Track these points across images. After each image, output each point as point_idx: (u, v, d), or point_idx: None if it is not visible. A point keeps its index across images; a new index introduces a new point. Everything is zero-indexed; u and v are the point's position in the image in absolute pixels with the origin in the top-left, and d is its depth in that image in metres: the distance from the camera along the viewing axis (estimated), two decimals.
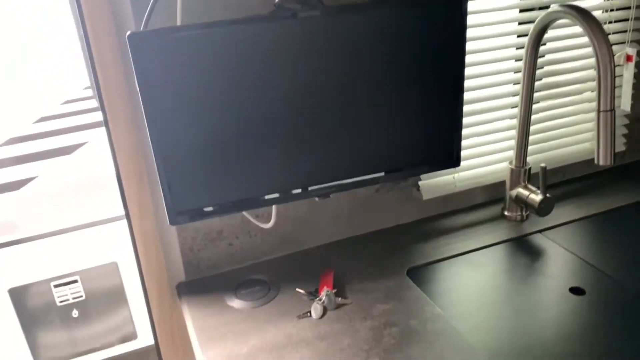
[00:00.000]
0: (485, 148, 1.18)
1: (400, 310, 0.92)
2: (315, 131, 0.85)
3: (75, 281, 2.17)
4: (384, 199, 1.14)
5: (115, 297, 2.27)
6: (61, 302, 2.19)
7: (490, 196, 1.25)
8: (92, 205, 2.21)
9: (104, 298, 2.23)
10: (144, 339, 2.31)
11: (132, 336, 2.35)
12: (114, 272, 2.28)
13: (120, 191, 0.91)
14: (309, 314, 0.92)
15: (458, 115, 0.91)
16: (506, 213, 1.18)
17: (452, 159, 0.92)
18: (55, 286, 2.15)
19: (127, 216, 0.93)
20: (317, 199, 0.88)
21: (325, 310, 0.93)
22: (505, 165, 1.19)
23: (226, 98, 0.79)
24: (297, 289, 0.99)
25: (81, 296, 2.22)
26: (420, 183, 1.14)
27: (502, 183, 1.19)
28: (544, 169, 1.06)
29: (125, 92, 0.86)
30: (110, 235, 2.09)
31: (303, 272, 1.04)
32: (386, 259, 1.06)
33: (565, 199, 1.24)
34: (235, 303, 0.96)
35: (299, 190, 0.86)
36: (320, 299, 0.93)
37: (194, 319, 0.93)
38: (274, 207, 0.98)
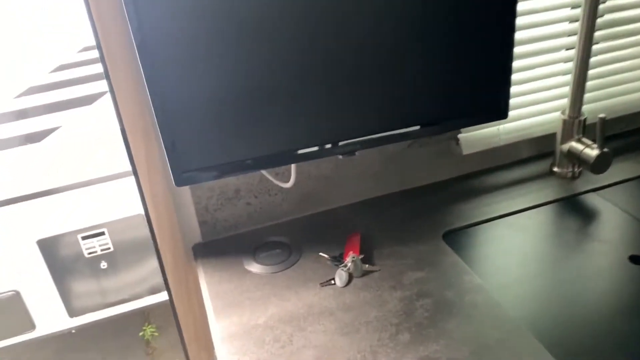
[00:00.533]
0: (535, 96, 1.04)
1: (435, 279, 0.82)
2: (339, 78, 0.74)
3: (103, 233, 2.15)
4: (417, 154, 1.03)
5: (143, 248, 2.24)
6: (89, 253, 2.18)
7: (538, 150, 1.13)
8: (117, 157, 2.15)
9: (131, 250, 2.21)
10: None
11: (160, 287, 2.34)
12: (141, 223, 2.25)
13: (126, 146, 0.83)
14: (332, 282, 0.84)
15: (507, 58, 0.78)
16: (555, 169, 1.05)
17: (499, 110, 0.80)
18: (83, 238, 2.13)
19: (135, 173, 0.85)
20: (340, 156, 0.78)
21: (350, 277, 0.85)
22: (556, 115, 1.06)
23: (238, 42, 0.69)
24: (321, 253, 0.90)
25: (109, 248, 2.20)
26: (459, 136, 1.02)
27: (552, 136, 1.06)
28: (602, 120, 0.93)
29: (126, 40, 0.76)
30: (135, 187, 2.02)
31: (327, 234, 0.95)
32: (419, 220, 0.96)
33: (624, 153, 1.10)
34: (254, 267, 0.89)
35: (317, 148, 0.75)
36: (345, 265, 0.85)
37: (209, 284, 0.86)
38: (292, 165, 0.88)
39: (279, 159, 0.75)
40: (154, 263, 2.27)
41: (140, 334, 2.52)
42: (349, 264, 0.84)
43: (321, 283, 0.84)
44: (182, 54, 0.67)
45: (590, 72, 1.07)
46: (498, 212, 0.97)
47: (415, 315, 0.76)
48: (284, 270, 0.88)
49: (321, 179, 0.99)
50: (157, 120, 0.68)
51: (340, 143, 0.76)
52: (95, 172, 2.09)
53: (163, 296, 2.37)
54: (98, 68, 1.90)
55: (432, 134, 0.80)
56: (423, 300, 0.79)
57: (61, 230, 2.13)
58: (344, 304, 0.80)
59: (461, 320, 0.75)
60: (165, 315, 2.58)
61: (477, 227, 0.95)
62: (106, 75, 0.79)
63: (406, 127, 0.78)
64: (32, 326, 2.27)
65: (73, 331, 2.35)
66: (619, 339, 0.72)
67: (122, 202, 2.19)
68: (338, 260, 0.88)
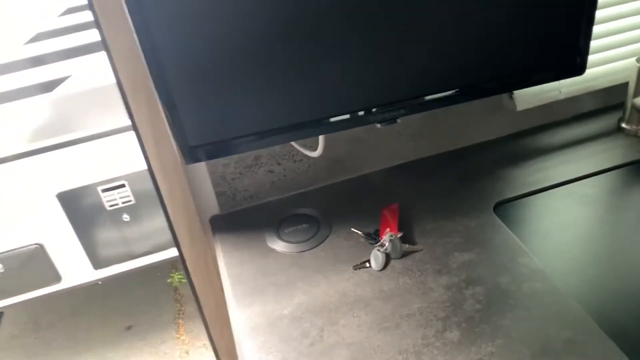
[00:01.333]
0: (605, 41, 0.88)
1: (487, 262, 0.71)
2: (376, 28, 0.60)
3: (123, 185, 2.08)
4: (464, 110, 0.89)
5: None
6: (111, 206, 2.12)
7: (602, 103, 0.97)
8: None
9: (153, 201, 2.15)
10: None
11: None
12: None
13: (125, 103, 0.71)
14: (367, 264, 0.74)
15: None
16: (624, 125, 0.91)
17: (573, 64, 0.65)
18: (103, 190, 2.07)
19: (137, 134, 0.74)
20: (379, 125, 0.66)
21: (388, 259, 0.74)
22: (630, 62, 0.90)
23: None
24: (353, 229, 0.79)
25: (130, 200, 2.14)
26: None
27: (621, 86, 0.91)
28: None
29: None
30: None
31: (360, 205, 0.84)
32: (467, 188, 0.84)
33: None
34: (278, 245, 0.79)
35: (349, 116, 0.63)
36: (382, 245, 0.74)
37: (228, 265, 0.77)
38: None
39: (305, 130, 0.63)
40: None
41: (169, 280, 2.51)
42: (386, 244, 0.73)
43: (354, 266, 0.74)
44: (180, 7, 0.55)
45: None
46: (557, 179, 0.84)
47: (464, 308, 0.66)
48: (312, 248, 0.78)
49: (353, 140, 0.87)
50: (154, 84, 0.56)
51: (379, 109, 0.63)
52: (111, 123, 1.99)
53: None
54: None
55: (488, 95, 0.67)
56: (474, 289, 0.68)
57: (81, 183, 2.06)
58: (381, 291, 0.69)
59: (520, 315, 0.64)
60: None
61: (533, 196, 0.82)
62: (96, 23, 0.66)
63: (455, 88, 0.65)
64: (57, 278, 2.26)
65: (99, 282, 2.34)
66: None
67: (140, 153, 2.08)
68: (373, 238, 0.77)
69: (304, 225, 0.81)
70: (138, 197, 2.09)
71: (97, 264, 2.23)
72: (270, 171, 0.85)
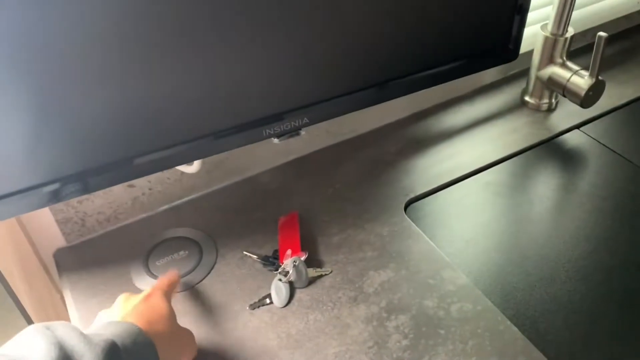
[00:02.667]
0: None
1: (407, 281, 0.60)
2: (265, 20, 0.44)
3: None
4: None
5: None
6: None
7: (503, 72, 0.90)
8: None
9: None
10: None
11: None
12: None
13: None
14: (267, 300, 0.59)
15: None
16: (528, 99, 0.84)
17: (506, 50, 0.54)
18: None
19: None
20: (276, 140, 0.50)
21: (292, 289, 0.60)
22: (533, 29, 0.82)
23: None
24: (246, 252, 0.64)
25: None
26: None
27: (523, 55, 0.83)
28: (602, 39, 0.71)
29: None
30: None
31: (251, 216, 0.69)
32: (372, 186, 0.72)
33: (605, 71, 0.91)
34: (148, 284, 0.61)
35: (235, 134, 0.46)
36: (284, 273, 0.60)
37: (82, 321, 0.58)
38: None
39: (165, 161, 0.45)
40: None
41: None
42: (290, 270, 0.59)
43: (251, 305, 0.59)
44: None
45: None
46: (466, 168, 0.74)
47: (389, 347, 0.54)
48: (194, 286, 0.61)
49: None
50: None
51: (276, 120, 0.47)
52: None
53: None
54: None
55: (416, 90, 0.55)
56: (397, 319, 0.57)
57: None
58: (289, 336, 0.56)
59: (455, 349, 0.54)
60: None
61: (443, 191, 0.72)
62: None
63: (374, 83, 0.51)
64: None
65: None
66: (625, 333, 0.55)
67: None
68: (272, 262, 0.63)
69: (181, 252, 0.64)
70: None
71: None
72: (130, 185, 0.66)
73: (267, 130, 0.48)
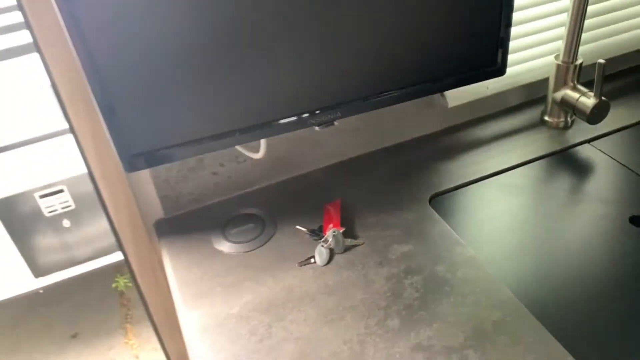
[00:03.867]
0: (526, 40, 0.94)
1: (424, 252, 0.75)
2: (309, 35, 0.63)
3: (62, 190, 2.02)
4: (398, 108, 0.93)
5: None
6: (50, 212, 2.06)
7: (526, 96, 1.04)
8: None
9: (94, 205, 2.10)
10: None
11: None
12: None
13: (60, 106, 0.70)
14: (312, 260, 0.76)
15: (508, 5, 0.67)
16: (547, 118, 0.97)
17: (494, 65, 0.70)
18: (41, 196, 2.00)
19: (76, 139, 0.73)
20: (317, 128, 0.68)
21: (332, 254, 0.77)
22: (549, 60, 0.96)
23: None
24: (298, 227, 0.82)
25: (70, 205, 2.08)
26: None
27: (542, 82, 0.98)
28: (602, 65, 0.84)
29: None
30: None
31: (304, 202, 0.87)
32: (404, 182, 0.88)
33: (617, 97, 1.03)
34: (225, 246, 0.80)
35: (287, 120, 0.65)
36: (325, 241, 0.77)
37: (175, 269, 0.78)
38: None
39: (244, 135, 0.65)
40: None
41: (114, 285, 2.45)
42: (330, 239, 0.77)
43: (299, 262, 0.76)
44: (114, 8, 0.55)
45: (592, 7, 0.96)
46: (487, 171, 0.89)
47: (404, 296, 0.70)
48: (258, 248, 0.80)
49: (294, 140, 0.89)
50: (91, 89, 0.56)
51: (317, 112, 0.66)
52: (47, 127, 1.92)
53: None
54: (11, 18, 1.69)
55: (420, 96, 0.71)
56: (412, 278, 0.72)
57: (16, 190, 1.99)
58: (326, 285, 0.72)
59: (455, 300, 0.68)
60: None
61: (465, 188, 0.87)
62: (27, 23, 0.65)
63: (390, 89, 0.68)
64: None
65: (41, 291, 2.26)
66: (620, 310, 0.67)
67: (80, 157, 2.03)
68: (317, 234, 0.80)
69: (249, 225, 0.83)
70: (78, 202, 2.04)
71: (38, 272, 2.16)
72: (214, 173, 0.86)
73: (311, 120, 0.66)
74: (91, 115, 0.72)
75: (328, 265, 0.76)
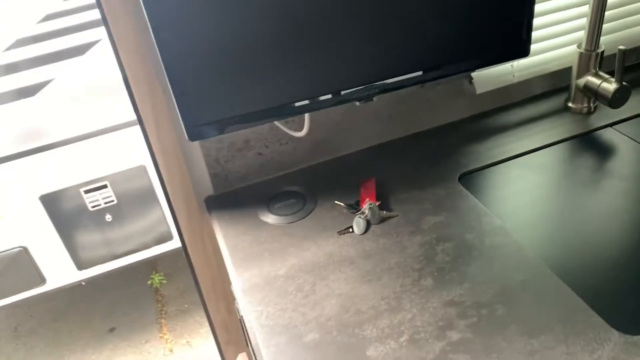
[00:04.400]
0: (550, 30, 1.00)
1: (454, 223, 0.82)
2: (350, 21, 0.70)
3: (105, 186, 2.13)
4: (429, 95, 1.00)
5: (147, 199, 2.23)
6: (93, 207, 2.17)
7: (551, 85, 1.10)
8: (114, 108, 2.11)
9: (135, 201, 2.20)
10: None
11: (167, 237, 2.35)
12: (142, 174, 2.23)
13: (130, 98, 0.79)
14: (350, 229, 0.83)
15: None
16: (570, 105, 1.03)
17: (520, 47, 0.76)
18: (86, 192, 2.12)
19: (141, 124, 0.82)
20: (357, 103, 0.76)
21: (368, 224, 0.84)
22: (572, 49, 1.02)
23: None
24: (336, 202, 0.89)
25: (112, 200, 2.19)
26: (473, 74, 0.99)
27: (566, 70, 1.03)
28: (622, 52, 0.90)
29: None
30: (135, 138, 2.00)
31: (341, 181, 0.94)
32: (434, 163, 0.95)
33: (639, 86, 1.07)
34: (270, 218, 0.88)
35: (332, 96, 0.72)
36: (362, 213, 0.84)
37: (226, 237, 0.85)
38: (306, 114, 0.86)
39: (294, 108, 0.73)
40: (158, 213, 2.27)
41: (149, 282, 2.55)
42: (366, 211, 0.83)
43: (339, 231, 0.83)
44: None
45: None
46: (513, 152, 0.95)
47: (436, 260, 0.76)
48: (299, 220, 0.87)
49: (332, 125, 0.97)
50: (165, 71, 0.65)
51: (356, 89, 0.73)
52: (93, 125, 2.04)
53: (170, 245, 2.38)
54: (87, 16, 1.81)
55: (452, 74, 0.77)
56: (443, 245, 0.78)
57: (63, 185, 2.11)
58: (364, 251, 0.79)
59: (483, 263, 0.74)
60: (172, 263, 2.61)
61: (492, 168, 0.93)
62: (104, 21, 0.75)
63: (419, 70, 0.75)
64: (42, 280, 2.29)
65: (83, 283, 2.37)
66: (638, 271, 0.72)
67: (122, 154, 2.16)
68: (354, 207, 0.87)
69: (291, 200, 0.91)
70: (120, 197, 2.14)
71: (81, 264, 2.27)
72: (259, 153, 0.94)
73: (351, 96, 0.73)
74: (154, 103, 0.81)
75: (365, 235, 0.82)
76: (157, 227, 2.33)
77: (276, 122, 0.90)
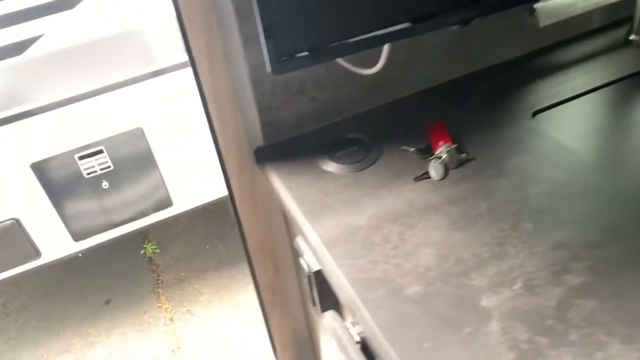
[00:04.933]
0: None
1: (539, 163, 0.76)
2: None
3: (101, 151, 2.01)
4: (487, 31, 0.92)
5: (145, 163, 2.13)
6: (89, 174, 2.05)
7: (608, 17, 1.03)
8: (107, 67, 1.97)
9: (133, 166, 2.09)
10: (180, 205, 2.22)
11: (167, 203, 2.26)
12: (140, 137, 2.11)
13: (183, 35, 0.70)
14: (427, 175, 0.77)
15: None
16: (633, 37, 0.97)
17: None
18: (80, 158, 1.99)
19: (193, 67, 0.73)
20: (454, 27, 0.68)
21: (446, 169, 0.77)
22: None
23: None
24: (403, 147, 0.82)
25: (109, 166, 2.07)
26: (536, 6, 0.91)
27: (628, 1, 0.97)
28: None
29: None
30: (131, 99, 1.88)
31: (404, 125, 0.87)
32: (503, 102, 0.88)
33: None
34: (332, 167, 0.80)
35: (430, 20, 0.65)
36: (438, 157, 0.77)
37: (289, 189, 0.78)
38: (385, 46, 0.77)
39: (386, 36, 0.64)
40: (157, 177, 2.17)
41: (142, 252, 2.47)
42: (444, 155, 0.77)
43: (415, 178, 0.76)
44: None
45: None
46: (580, 89, 0.89)
47: (531, 203, 0.70)
48: (367, 168, 0.80)
49: (388, 65, 0.88)
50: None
51: (454, 12, 0.65)
52: (86, 86, 1.90)
53: (170, 212, 2.29)
54: None
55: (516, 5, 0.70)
56: (535, 187, 0.72)
57: (56, 152, 1.97)
58: (448, 197, 0.73)
59: (583, 204, 0.69)
60: (164, 232, 2.53)
61: (563, 105, 0.87)
62: None
63: None
64: (37, 253, 2.17)
65: (80, 255, 2.27)
66: None
67: (118, 116, 2.03)
68: (426, 152, 0.80)
69: (354, 148, 0.83)
70: (117, 163, 2.03)
71: (77, 235, 2.16)
72: (314, 98, 0.86)
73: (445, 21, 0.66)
74: (210, 45, 0.71)
75: (443, 180, 0.76)
76: (156, 192, 2.23)
77: (341, 62, 0.80)
